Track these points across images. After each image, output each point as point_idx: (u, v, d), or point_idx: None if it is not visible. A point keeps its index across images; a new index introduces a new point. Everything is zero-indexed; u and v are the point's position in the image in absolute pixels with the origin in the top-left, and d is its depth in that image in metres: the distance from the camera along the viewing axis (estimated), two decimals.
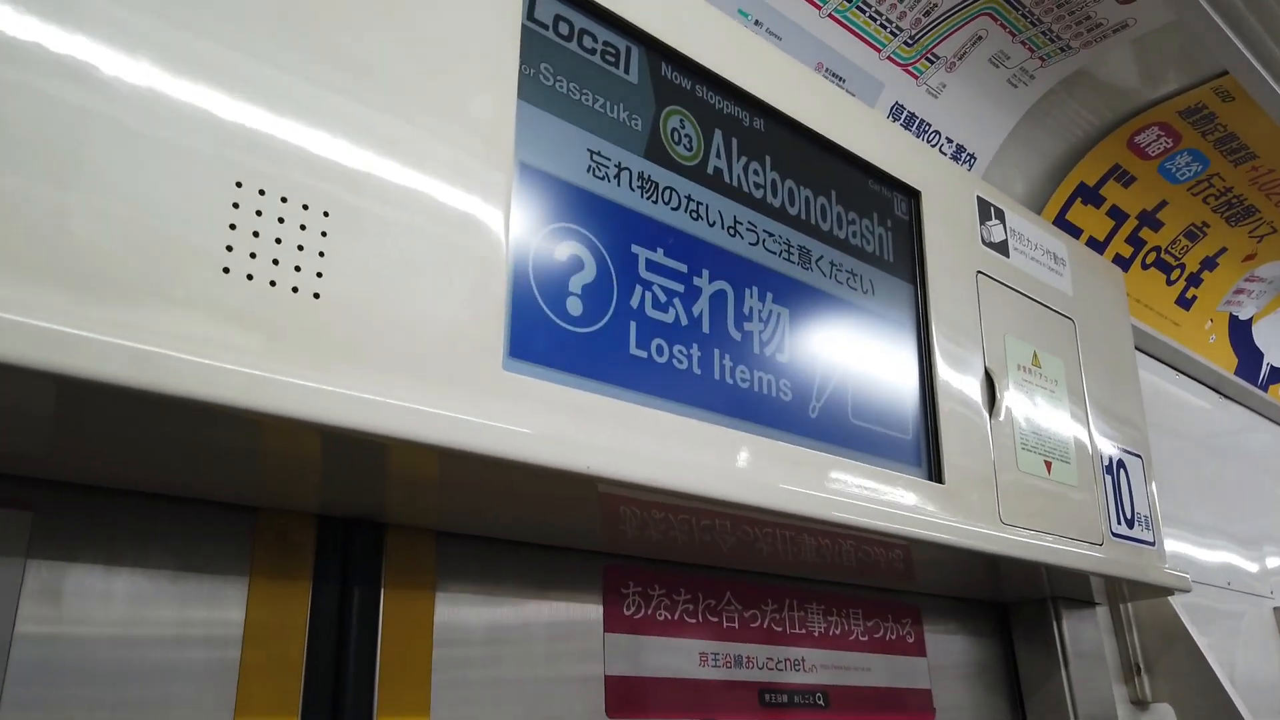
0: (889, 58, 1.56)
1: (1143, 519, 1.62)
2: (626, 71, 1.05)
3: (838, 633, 1.40)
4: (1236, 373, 2.57)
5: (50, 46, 0.64)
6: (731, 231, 1.11)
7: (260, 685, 0.86)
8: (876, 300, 1.27)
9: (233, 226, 0.70)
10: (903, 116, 1.64)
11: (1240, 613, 2.37)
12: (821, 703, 1.33)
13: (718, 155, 1.13)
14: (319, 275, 0.74)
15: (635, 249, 1.00)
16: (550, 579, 1.11)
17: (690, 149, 1.10)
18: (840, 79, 1.54)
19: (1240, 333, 2.56)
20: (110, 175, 0.65)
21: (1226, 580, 2.34)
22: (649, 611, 1.19)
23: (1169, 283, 2.26)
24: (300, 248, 0.73)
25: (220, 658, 0.85)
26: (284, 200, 0.73)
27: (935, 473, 1.25)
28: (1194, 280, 2.32)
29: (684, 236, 1.06)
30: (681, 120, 1.10)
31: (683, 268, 1.05)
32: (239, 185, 0.71)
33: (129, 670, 0.80)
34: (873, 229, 1.31)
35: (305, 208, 0.74)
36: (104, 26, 0.66)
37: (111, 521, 0.82)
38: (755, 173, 1.16)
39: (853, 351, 1.21)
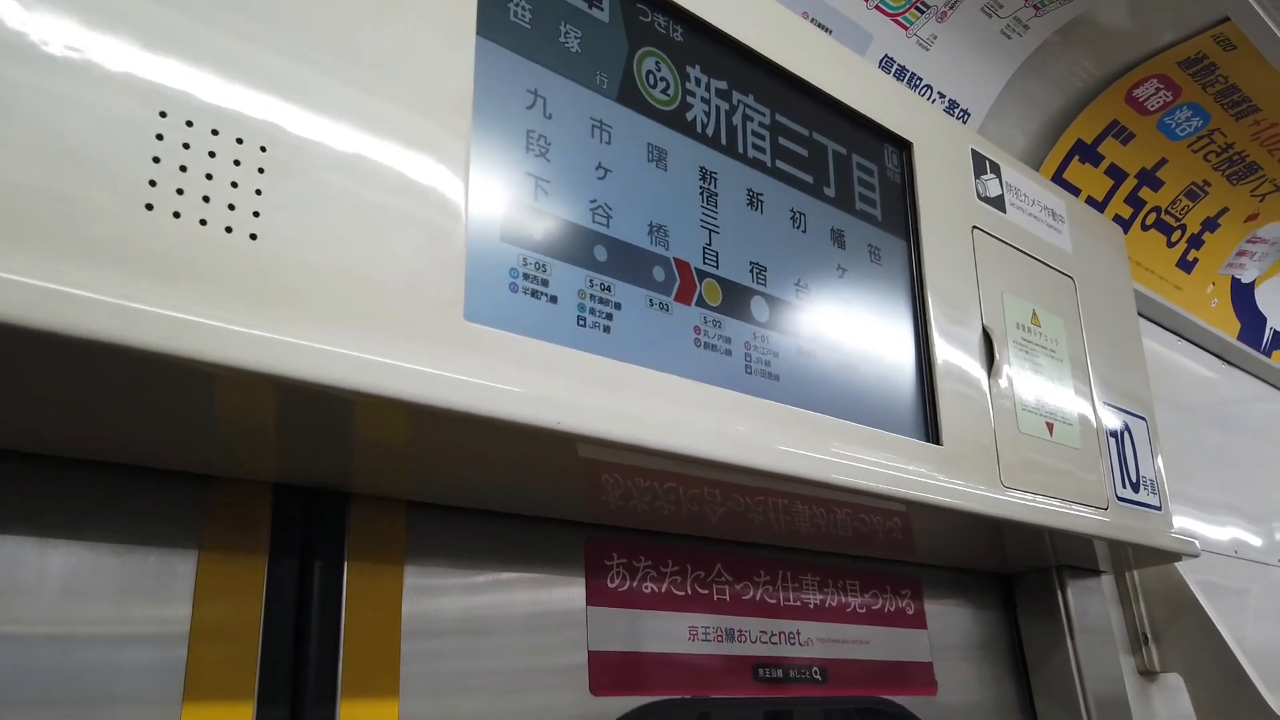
0: (877, 6, 1.50)
1: (1148, 483, 1.57)
2: (599, 8, 0.99)
3: (835, 605, 1.35)
4: (1239, 338, 2.51)
5: None
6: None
7: (211, 669, 0.80)
8: (868, 256, 1.21)
9: (156, 160, 0.64)
10: (893, 70, 1.58)
11: (1248, 581, 2.31)
12: (819, 677, 1.28)
13: (696, 99, 1.06)
14: (255, 215, 0.67)
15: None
16: (528, 551, 1.05)
17: (667, 93, 1.04)
18: (827, 29, 1.48)
19: (1243, 296, 2.50)
20: (14, 103, 0.59)
21: (1234, 550, 2.29)
22: (635, 584, 1.13)
23: (1169, 244, 2.20)
24: (234, 184, 0.67)
25: (167, 639, 0.79)
26: (215, 133, 0.67)
27: (933, 434, 1.19)
28: (1195, 242, 2.26)
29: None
30: (657, 62, 1.03)
31: None
32: (163, 115, 0.65)
33: (66, 656, 0.74)
34: (862, 181, 1.24)
35: (239, 142, 0.68)
36: None
37: (45, 492, 0.76)
38: (736, 120, 1.10)
39: (843, 310, 1.15)
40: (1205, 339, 2.43)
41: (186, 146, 0.65)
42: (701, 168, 1.05)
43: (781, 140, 1.15)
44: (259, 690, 0.81)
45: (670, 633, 1.14)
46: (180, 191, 0.64)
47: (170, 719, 0.76)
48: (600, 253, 0.92)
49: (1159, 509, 1.57)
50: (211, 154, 0.66)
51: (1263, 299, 2.56)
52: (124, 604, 0.78)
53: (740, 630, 1.21)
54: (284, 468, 0.87)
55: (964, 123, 1.72)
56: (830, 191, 1.19)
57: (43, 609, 0.74)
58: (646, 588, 1.14)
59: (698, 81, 1.07)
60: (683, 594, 1.17)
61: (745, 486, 1.04)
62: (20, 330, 0.55)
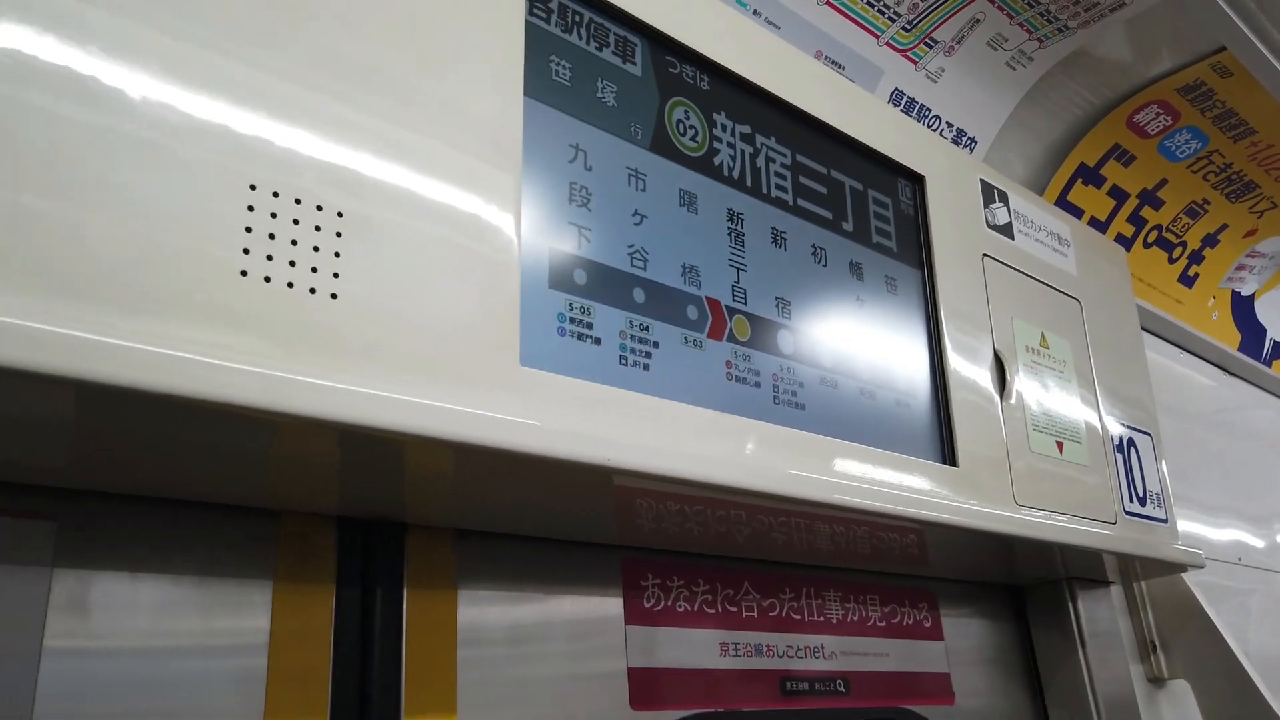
0: (887, 43, 1.56)
1: (1155, 496, 1.63)
2: (632, 64, 1.05)
3: (855, 619, 1.41)
4: (1240, 349, 2.57)
5: (59, 64, 0.64)
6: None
7: (288, 689, 0.86)
8: (884, 287, 1.27)
9: (248, 229, 0.70)
10: (903, 102, 1.64)
11: (1252, 588, 2.37)
12: (842, 689, 1.33)
13: (722, 145, 1.12)
14: (335, 276, 0.74)
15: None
16: (569, 574, 1.11)
17: (696, 140, 1.10)
18: (839, 66, 1.54)
19: (1243, 309, 2.56)
20: (123, 185, 0.65)
21: (1237, 556, 2.34)
22: (669, 603, 1.19)
23: (1171, 261, 2.27)
24: (316, 249, 0.73)
25: (248, 664, 0.85)
26: (298, 202, 0.73)
27: (949, 456, 1.25)
28: (1196, 258, 2.32)
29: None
30: (686, 111, 1.10)
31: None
32: (253, 188, 0.71)
33: (158, 679, 0.80)
34: (878, 215, 1.31)
35: (319, 209, 0.74)
36: (113, 44, 0.66)
37: (134, 530, 0.82)
38: (760, 162, 1.16)
39: (863, 339, 1.21)
40: (1207, 350, 2.49)
41: (274, 216, 0.72)
42: (729, 209, 1.11)
43: (802, 179, 1.21)
44: (331, 710, 0.87)
45: (703, 649, 1.20)
46: (270, 258, 0.71)
47: None
48: (639, 295, 0.98)
49: (1165, 521, 1.62)
50: (295, 221, 0.73)
51: (1262, 311, 2.63)
52: (208, 632, 0.84)
53: (768, 645, 1.27)
54: (346, 502, 0.93)
55: (971, 150, 1.78)
56: (848, 226, 1.25)
57: (135, 638, 0.80)
58: (680, 606, 1.20)
59: (723, 127, 1.13)
60: (714, 611, 1.23)
61: (770, 509, 1.10)
62: (142, 394, 0.61)
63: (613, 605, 1.13)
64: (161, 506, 0.84)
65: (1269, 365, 2.70)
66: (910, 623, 1.49)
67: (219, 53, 0.71)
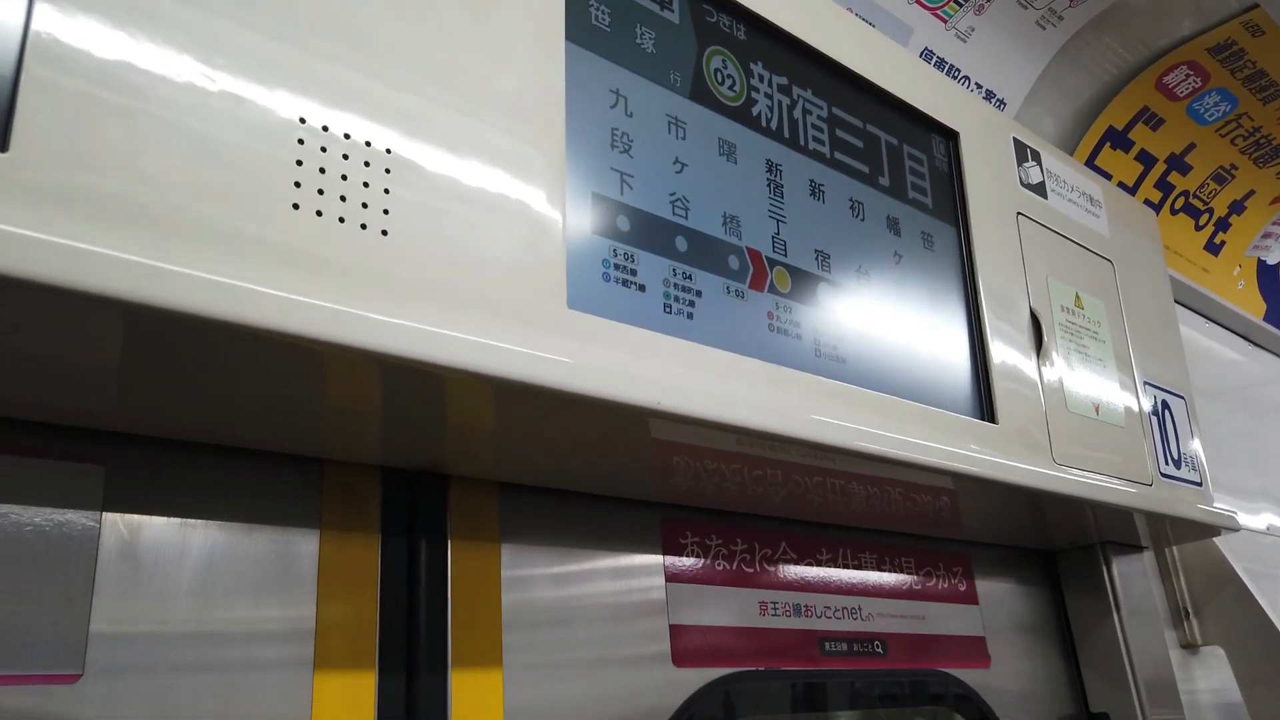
0: (918, 1, 1.54)
1: (1189, 459, 1.61)
2: (670, 10, 1.04)
3: (892, 582, 1.39)
4: (1265, 319, 2.55)
5: (116, 24, 0.63)
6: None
7: (337, 637, 0.85)
8: (921, 242, 1.26)
9: (299, 163, 0.69)
10: (932, 61, 1.62)
11: (1276, 567, 2.35)
12: (880, 651, 1.32)
13: (760, 95, 1.11)
14: (385, 213, 0.72)
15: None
16: (610, 530, 1.10)
17: (734, 89, 1.08)
18: (870, 24, 1.52)
19: (1268, 278, 2.53)
20: (179, 122, 0.64)
21: (1265, 526, 2.33)
22: (709, 561, 1.18)
23: (1197, 228, 2.24)
24: (365, 184, 0.72)
25: (297, 613, 0.84)
26: (346, 137, 0.72)
27: (989, 414, 1.24)
28: (1222, 225, 2.29)
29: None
30: (724, 60, 1.08)
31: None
32: (302, 121, 0.70)
33: (206, 625, 0.79)
34: (913, 171, 1.29)
35: (368, 144, 0.73)
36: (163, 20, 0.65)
37: (182, 475, 0.81)
38: (797, 114, 1.15)
39: (901, 294, 1.20)
40: (1232, 320, 2.47)
41: (324, 150, 0.70)
42: (768, 160, 1.09)
43: (839, 132, 1.19)
44: (379, 660, 0.86)
45: (743, 608, 1.19)
46: (321, 192, 0.69)
47: (303, 686, 0.82)
48: (681, 243, 0.97)
49: (1199, 484, 1.61)
50: (345, 156, 0.71)
51: None
52: (258, 581, 0.83)
53: (806, 606, 1.26)
54: (390, 452, 0.92)
55: (1001, 111, 1.76)
56: (885, 181, 1.24)
57: (184, 583, 0.79)
58: (719, 565, 1.19)
59: (760, 78, 1.12)
60: (752, 570, 1.22)
61: (810, 466, 1.08)
62: (195, 319, 0.60)
63: (653, 562, 1.12)
64: (207, 452, 0.83)
65: None
66: (945, 586, 1.48)
67: (264, 33, 0.70)
